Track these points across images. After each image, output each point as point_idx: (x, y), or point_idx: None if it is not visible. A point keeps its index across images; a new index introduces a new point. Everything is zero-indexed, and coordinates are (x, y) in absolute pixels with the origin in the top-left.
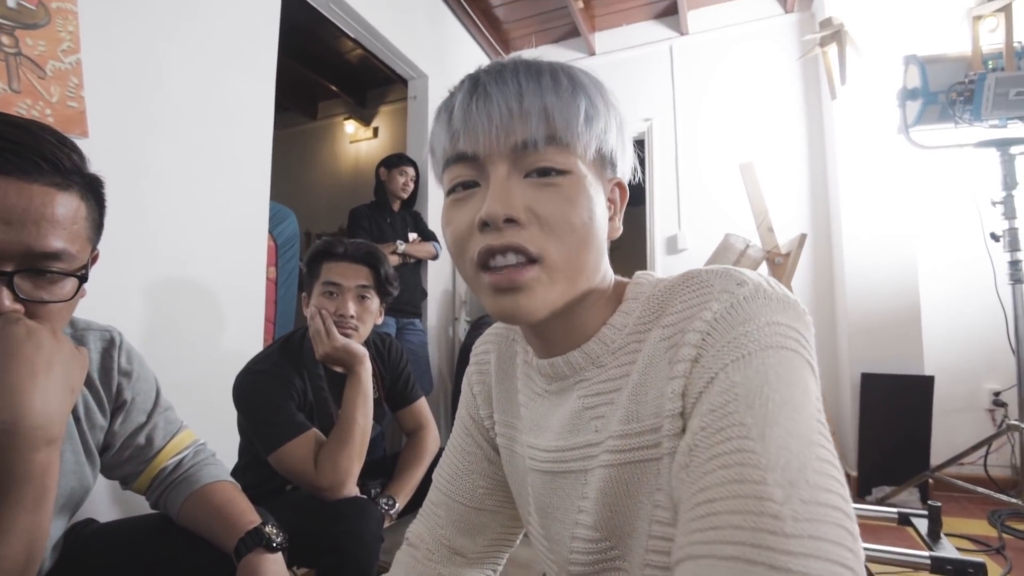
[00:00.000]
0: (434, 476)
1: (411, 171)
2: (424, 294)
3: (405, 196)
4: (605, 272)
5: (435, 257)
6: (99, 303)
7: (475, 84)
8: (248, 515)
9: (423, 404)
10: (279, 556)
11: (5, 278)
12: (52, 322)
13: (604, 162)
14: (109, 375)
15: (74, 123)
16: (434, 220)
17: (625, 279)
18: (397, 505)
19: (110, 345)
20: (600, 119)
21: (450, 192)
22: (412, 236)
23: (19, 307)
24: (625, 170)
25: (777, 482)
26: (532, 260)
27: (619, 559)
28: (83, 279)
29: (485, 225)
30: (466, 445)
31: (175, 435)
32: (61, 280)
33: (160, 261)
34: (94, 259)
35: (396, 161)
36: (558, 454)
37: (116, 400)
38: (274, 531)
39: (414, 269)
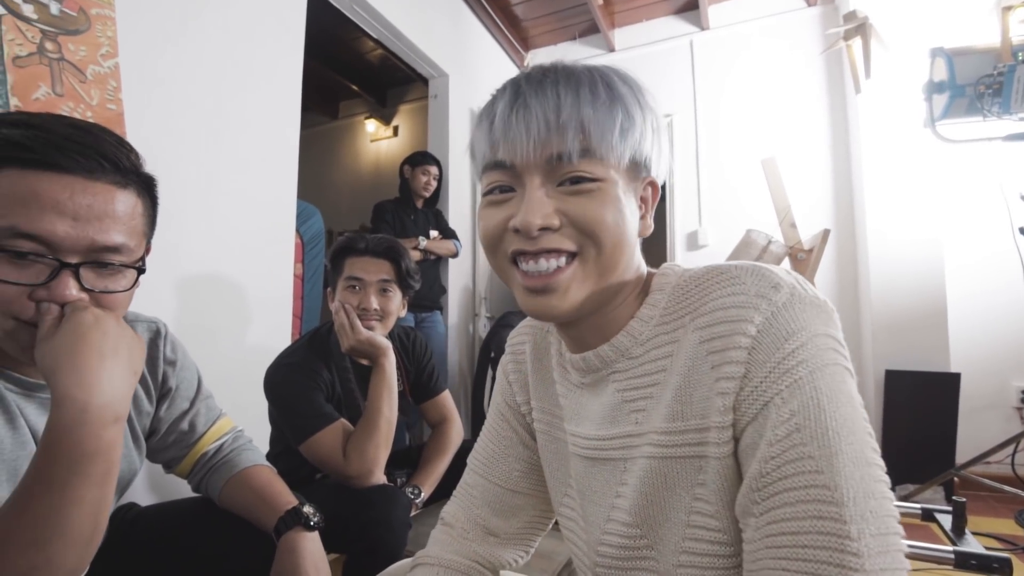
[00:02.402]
0: (469, 460)
1: (434, 170)
2: (443, 290)
3: (427, 195)
4: (638, 266)
5: (455, 255)
6: (135, 299)
7: (516, 93)
8: (286, 496)
9: (447, 397)
10: (316, 535)
11: (72, 269)
12: (114, 311)
13: (638, 167)
14: (155, 363)
15: (113, 125)
16: (455, 219)
17: (652, 270)
18: (423, 494)
19: (156, 335)
20: (636, 129)
21: (487, 194)
22: (433, 233)
23: (84, 296)
24: (660, 170)
25: (852, 518)
26: (571, 256)
27: (648, 548)
28: (141, 271)
29: (517, 231)
30: (502, 430)
31: (216, 421)
32: (122, 272)
33: (192, 259)
34: (147, 252)
35: (420, 160)
36: (598, 443)
37: (162, 387)
38: (311, 511)
39: (434, 265)
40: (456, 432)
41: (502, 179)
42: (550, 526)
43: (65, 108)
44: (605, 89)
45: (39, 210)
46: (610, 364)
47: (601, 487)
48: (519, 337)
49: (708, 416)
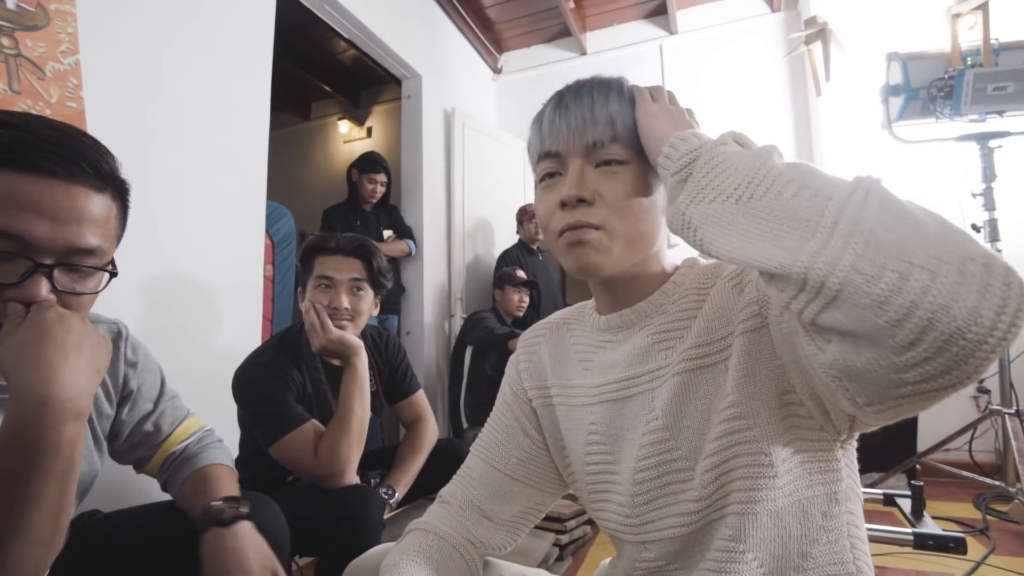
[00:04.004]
0: (472, 447)
1: (381, 177)
2: (402, 290)
3: (374, 201)
4: (661, 247)
5: (408, 255)
6: (99, 301)
7: (560, 99)
8: (218, 493)
9: (421, 396)
10: (238, 528)
11: (46, 270)
12: (80, 311)
13: None
14: (116, 366)
15: (73, 123)
16: (429, 218)
17: (677, 263)
18: (396, 495)
19: (117, 337)
20: None
21: (541, 180)
22: (387, 234)
23: (52, 297)
24: None
25: None
26: (595, 227)
27: (682, 459)
28: (114, 274)
29: (563, 204)
30: (505, 419)
31: (183, 421)
32: (93, 274)
33: (158, 260)
34: None
35: (367, 167)
36: (627, 381)
37: (123, 390)
38: (223, 505)
39: (391, 266)
40: (431, 431)
41: (551, 166)
42: (539, 519)
43: (23, 105)
44: (629, 93)
45: (18, 210)
46: (644, 318)
47: (632, 423)
48: (534, 335)
49: (733, 318)
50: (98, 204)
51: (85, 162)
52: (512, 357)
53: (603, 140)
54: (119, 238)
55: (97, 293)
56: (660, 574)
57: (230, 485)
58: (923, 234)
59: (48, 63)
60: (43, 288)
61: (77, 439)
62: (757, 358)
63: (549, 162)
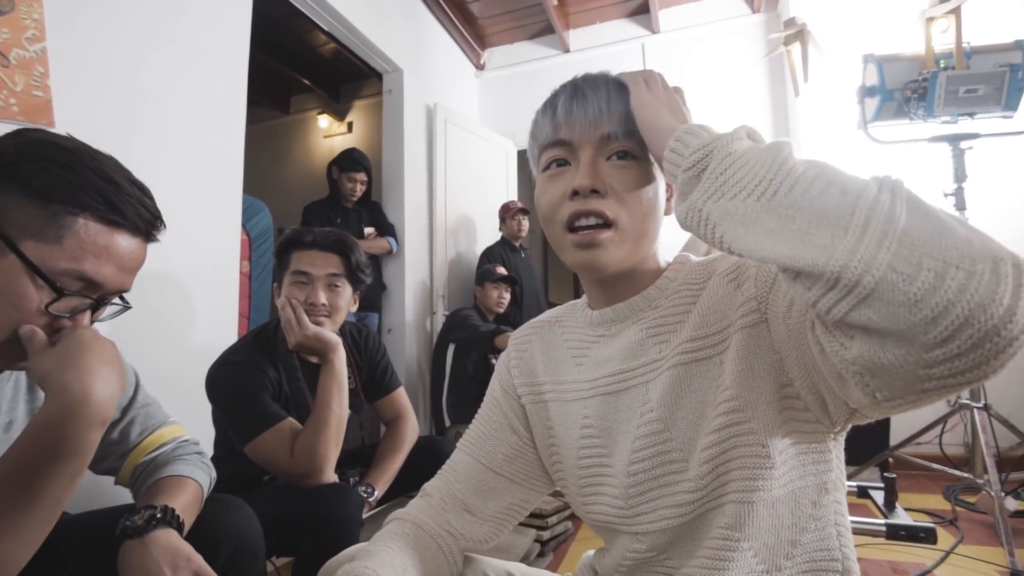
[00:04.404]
0: (459, 442)
1: (361, 176)
2: (383, 287)
3: (354, 199)
4: (658, 247)
5: (389, 252)
6: None
7: (576, 88)
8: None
9: (401, 394)
10: (150, 537)
11: (93, 304)
12: None
13: None
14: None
15: (40, 112)
16: (411, 215)
17: (669, 260)
18: (376, 493)
19: None
20: None
21: (545, 169)
22: (368, 231)
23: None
24: None
25: None
26: (608, 224)
27: (676, 450)
28: (128, 307)
29: (575, 194)
30: (494, 415)
31: (155, 430)
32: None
33: None
34: None
35: (348, 165)
36: (621, 375)
37: None
38: (142, 513)
39: (371, 264)
40: (411, 429)
41: (560, 154)
42: (523, 516)
43: None
44: None
45: (107, 261)
46: (637, 312)
47: (626, 415)
48: (524, 335)
49: (729, 313)
50: (145, 254)
51: (156, 219)
52: (503, 355)
53: (617, 133)
54: None
55: (104, 320)
56: (650, 565)
57: (179, 498)
58: (953, 234)
59: (13, 50)
60: (88, 320)
61: (93, 447)
62: (756, 353)
63: (558, 150)
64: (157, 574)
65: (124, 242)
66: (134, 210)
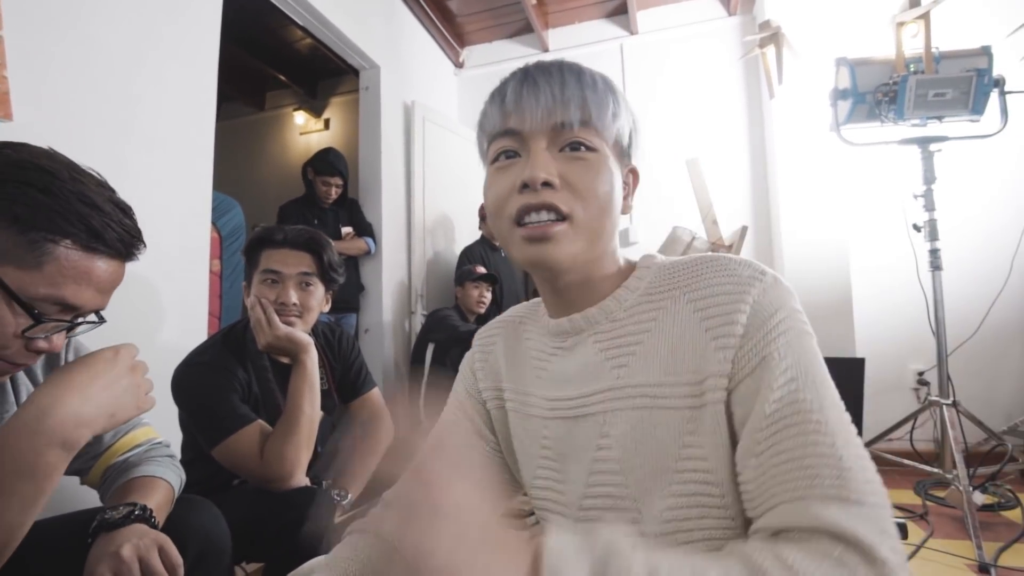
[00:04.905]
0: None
1: (336, 180)
2: (361, 288)
3: (329, 202)
4: (616, 246)
5: (367, 253)
6: None
7: (526, 75)
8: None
9: (376, 395)
10: (126, 529)
11: (67, 326)
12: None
13: (623, 152)
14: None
15: None
16: (388, 215)
17: (632, 258)
18: (350, 496)
19: None
20: (622, 118)
21: (494, 161)
22: (346, 230)
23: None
24: (638, 160)
25: (841, 445)
26: (562, 218)
27: (631, 499)
28: (103, 321)
29: (525, 187)
30: (458, 419)
31: (128, 432)
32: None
33: None
34: None
35: (322, 168)
36: (579, 400)
37: None
38: (120, 508)
39: (348, 264)
40: (386, 431)
41: (509, 145)
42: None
43: None
44: (601, 81)
45: (86, 286)
46: (594, 325)
47: (582, 443)
48: (489, 333)
49: (704, 369)
50: (122, 274)
51: (137, 241)
52: (467, 355)
53: (571, 122)
54: None
55: (76, 335)
56: None
57: (151, 498)
58: None
59: None
60: (61, 340)
61: (55, 470)
62: (727, 425)
63: (507, 141)
64: (127, 551)
65: (104, 265)
66: (115, 234)
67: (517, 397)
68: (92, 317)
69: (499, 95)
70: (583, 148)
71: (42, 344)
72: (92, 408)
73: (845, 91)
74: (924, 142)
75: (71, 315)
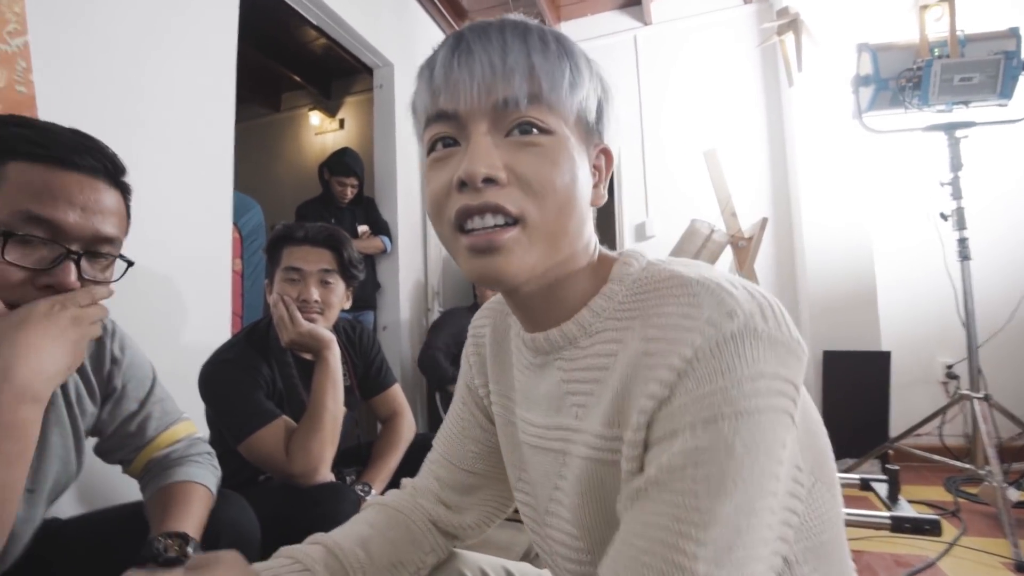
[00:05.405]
0: (434, 440)
1: (352, 181)
2: (377, 286)
3: (345, 202)
4: (589, 240)
5: (384, 251)
6: None
7: (458, 41)
8: (173, 524)
9: (397, 391)
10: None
11: (75, 258)
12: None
13: (589, 130)
14: (101, 362)
15: (24, 108)
16: (404, 214)
17: (611, 253)
18: (373, 491)
19: (103, 332)
20: (583, 87)
21: (430, 151)
22: (362, 229)
23: (78, 284)
24: (612, 137)
25: (705, 559)
26: (512, 221)
27: (584, 551)
28: (131, 263)
29: (463, 185)
30: (462, 412)
31: (171, 426)
32: (112, 263)
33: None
34: None
35: (337, 168)
36: (542, 431)
37: (107, 387)
38: (171, 543)
39: (365, 262)
40: (407, 426)
41: (445, 131)
42: (510, 509)
43: None
44: (554, 42)
45: (52, 199)
46: (558, 350)
47: (542, 477)
48: (481, 320)
49: (629, 423)
50: (114, 198)
51: (105, 159)
52: (465, 347)
53: (518, 99)
54: (126, 235)
55: (115, 281)
56: None
57: (195, 512)
58: None
59: None
60: (72, 274)
61: (31, 423)
62: None
63: (442, 125)
64: None
65: (70, 180)
66: (69, 149)
67: (500, 401)
68: (109, 252)
69: (428, 68)
70: (535, 131)
71: (45, 279)
72: (50, 361)
73: (867, 77)
74: (950, 128)
75: (64, 240)
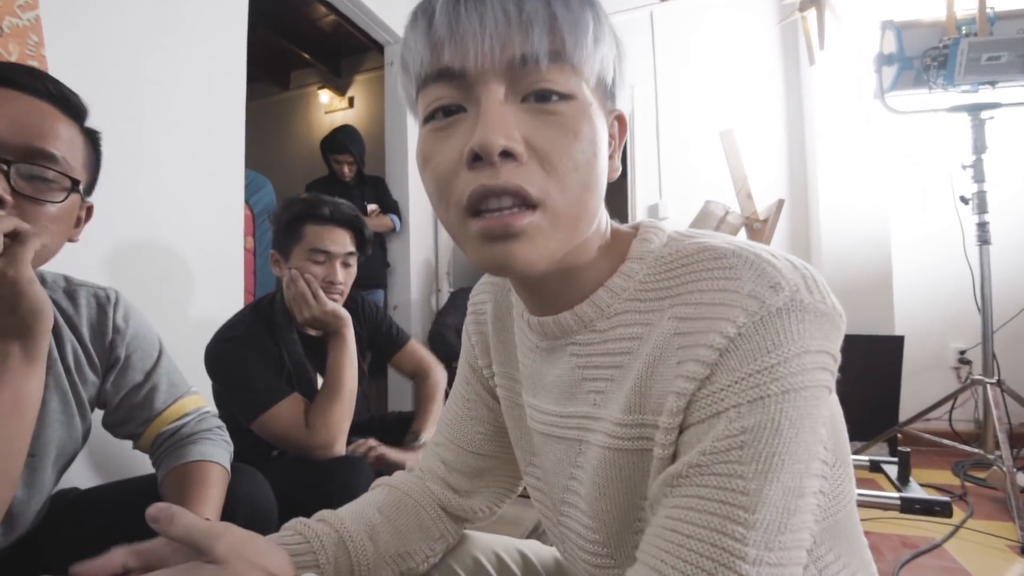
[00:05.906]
0: (438, 422)
1: (346, 158)
2: (387, 265)
3: (347, 180)
4: (601, 216)
5: (393, 230)
6: (79, 272)
7: None
8: (192, 510)
9: (415, 345)
10: None
11: (3, 167)
12: (42, 230)
13: (605, 92)
14: (102, 332)
15: None
16: (415, 193)
17: (625, 228)
18: (422, 438)
19: (104, 302)
20: (605, 41)
21: (428, 120)
22: (371, 207)
23: (9, 199)
24: (625, 101)
25: (755, 542)
26: (531, 205)
27: (600, 543)
28: (77, 188)
29: (476, 159)
30: (466, 393)
31: (180, 399)
32: (55, 184)
33: (132, 231)
34: (88, 213)
35: (331, 145)
36: (555, 419)
37: (109, 357)
38: None
39: (375, 241)
40: (438, 374)
41: (448, 95)
42: (520, 488)
43: None
44: None
45: None
46: (570, 334)
47: (557, 464)
48: (480, 296)
49: (662, 408)
50: (64, 126)
51: (51, 83)
52: (465, 322)
53: (538, 56)
54: (88, 181)
55: (62, 209)
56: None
57: (213, 495)
58: None
59: (6, 18)
60: (3, 184)
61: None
62: None
63: (445, 88)
64: None
65: (9, 98)
66: (15, 70)
67: (506, 383)
68: (56, 169)
69: (423, 15)
70: (555, 97)
71: None
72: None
73: (890, 56)
74: (975, 109)
75: None
